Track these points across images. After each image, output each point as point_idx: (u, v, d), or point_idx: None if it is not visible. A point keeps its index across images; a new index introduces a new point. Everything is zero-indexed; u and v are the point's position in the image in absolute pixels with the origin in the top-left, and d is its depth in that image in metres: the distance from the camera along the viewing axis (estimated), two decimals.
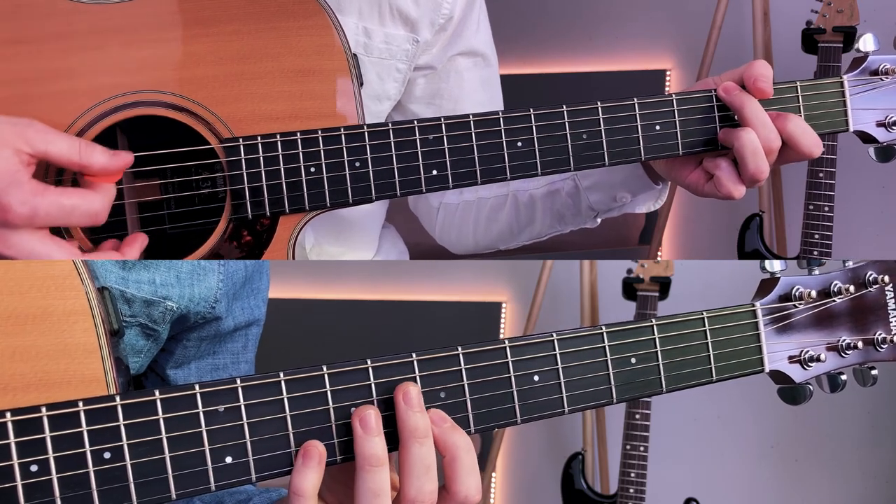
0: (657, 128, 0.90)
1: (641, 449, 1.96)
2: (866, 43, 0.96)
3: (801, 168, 2.09)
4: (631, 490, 1.96)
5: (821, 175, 2.03)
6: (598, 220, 1.12)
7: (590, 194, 1.07)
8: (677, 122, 0.90)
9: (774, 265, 0.80)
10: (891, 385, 2.36)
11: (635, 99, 0.89)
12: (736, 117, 0.91)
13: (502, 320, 2.45)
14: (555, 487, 2.13)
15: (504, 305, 2.45)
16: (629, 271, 2.04)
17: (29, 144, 0.72)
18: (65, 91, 0.80)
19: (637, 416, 1.97)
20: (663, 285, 2.01)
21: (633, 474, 1.96)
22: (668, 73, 2.51)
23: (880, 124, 0.96)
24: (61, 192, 0.73)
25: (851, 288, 0.82)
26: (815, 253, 2.04)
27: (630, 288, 2.03)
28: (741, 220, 2.18)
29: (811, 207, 2.05)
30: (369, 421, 0.62)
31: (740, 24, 2.31)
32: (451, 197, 1.22)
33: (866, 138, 0.97)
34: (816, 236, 2.04)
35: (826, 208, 2.04)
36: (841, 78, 0.95)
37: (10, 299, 0.59)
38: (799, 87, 0.93)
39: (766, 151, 0.88)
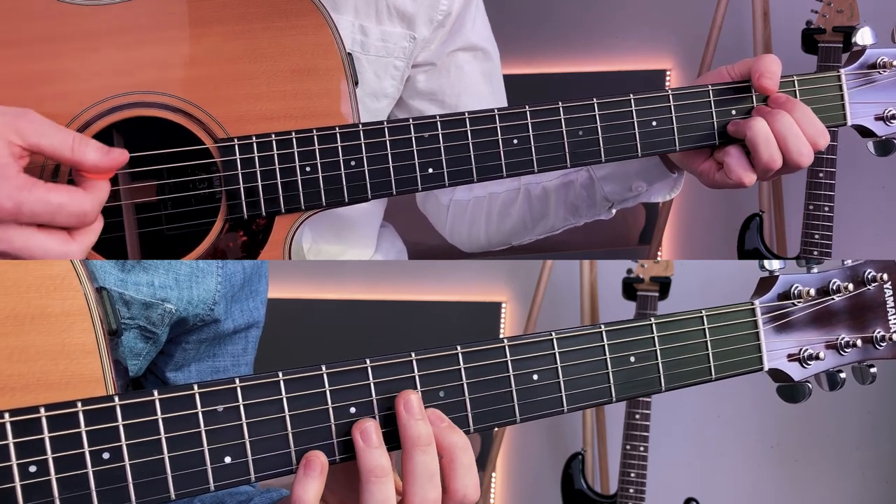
0: (654, 124, 0.90)
1: (641, 449, 1.96)
2: (864, 36, 0.95)
3: None
4: (631, 490, 1.96)
5: (821, 175, 2.03)
6: (613, 212, 1.11)
7: (604, 185, 1.05)
8: (674, 118, 0.90)
9: (773, 264, 0.80)
10: (891, 385, 2.35)
11: (631, 95, 0.89)
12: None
13: (502, 320, 2.45)
14: (555, 487, 2.12)
15: (504, 305, 2.45)
16: (629, 271, 2.04)
17: (21, 136, 0.69)
18: (60, 93, 0.80)
19: (637, 416, 1.97)
20: (663, 285, 2.01)
21: (633, 474, 1.96)
22: (668, 73, 2.51)
23: (879, 118, 0.95)
24: (49, 189, 0.69)
25: (850, 286, 0.82)
26: (815, 253, 2.04)
27: (630, 288, 2.03)
28: (741, 220, 2.17)
29: (811, 207, 2.04)
30: (370, 434, 0.62)
31: (740, 24, 2.31)
32: (461, 194, 1.20)
33: (865, 132, 0.96)
34: (816, 236, 2.04)
35: (826, 208, 2.03)
36: (838, 72, 0.94)
37: (8, 299, 0.59)
38: (796, 82, 0.93)
39: (795, 165, 0.88)
